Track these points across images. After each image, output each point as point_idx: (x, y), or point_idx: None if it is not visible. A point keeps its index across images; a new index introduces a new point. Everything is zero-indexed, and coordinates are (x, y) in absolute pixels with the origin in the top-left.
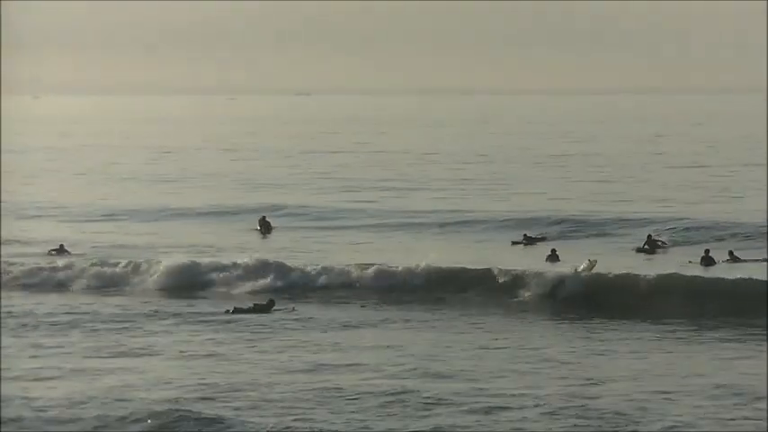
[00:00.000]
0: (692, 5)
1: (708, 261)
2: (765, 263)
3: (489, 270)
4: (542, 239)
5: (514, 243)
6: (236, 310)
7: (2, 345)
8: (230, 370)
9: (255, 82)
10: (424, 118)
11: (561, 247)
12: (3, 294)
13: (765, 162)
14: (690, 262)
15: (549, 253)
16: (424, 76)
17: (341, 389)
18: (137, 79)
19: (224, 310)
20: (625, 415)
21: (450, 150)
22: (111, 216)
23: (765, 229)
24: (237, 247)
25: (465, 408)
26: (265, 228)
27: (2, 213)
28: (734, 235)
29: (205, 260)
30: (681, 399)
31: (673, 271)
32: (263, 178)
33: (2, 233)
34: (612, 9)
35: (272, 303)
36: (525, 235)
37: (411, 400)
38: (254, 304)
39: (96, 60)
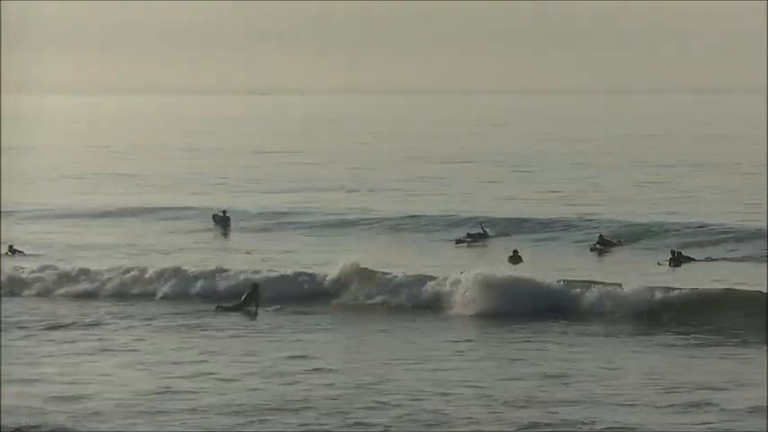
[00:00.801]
0: (691, 5)
1: (677, 262)
2: (709, 261)
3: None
4: (484, 235)
5: (458, 242)
6: (219, 308)
7: None
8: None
9: (255, 82)
10: (422, 118)
11: (515, 246)
12: None
13: (761, 162)
14: (659, 263)
15: (511, 254)
16: (424, 76)
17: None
18: (137, 79)
19: (214, 306)
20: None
21: (428, 150)
22: (66, 215)
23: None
24: (191, 248)
25: (417, 409)
26: (222, 224)
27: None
28: (680, 233)
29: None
30: (639, 400)
31: (640, 272)
32: (220, 178)
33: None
34: (612, 9)
35: (255, 287)
36: (468, 234)
37: (360, 401)
38: (242, 298)
39: (96, 60)
